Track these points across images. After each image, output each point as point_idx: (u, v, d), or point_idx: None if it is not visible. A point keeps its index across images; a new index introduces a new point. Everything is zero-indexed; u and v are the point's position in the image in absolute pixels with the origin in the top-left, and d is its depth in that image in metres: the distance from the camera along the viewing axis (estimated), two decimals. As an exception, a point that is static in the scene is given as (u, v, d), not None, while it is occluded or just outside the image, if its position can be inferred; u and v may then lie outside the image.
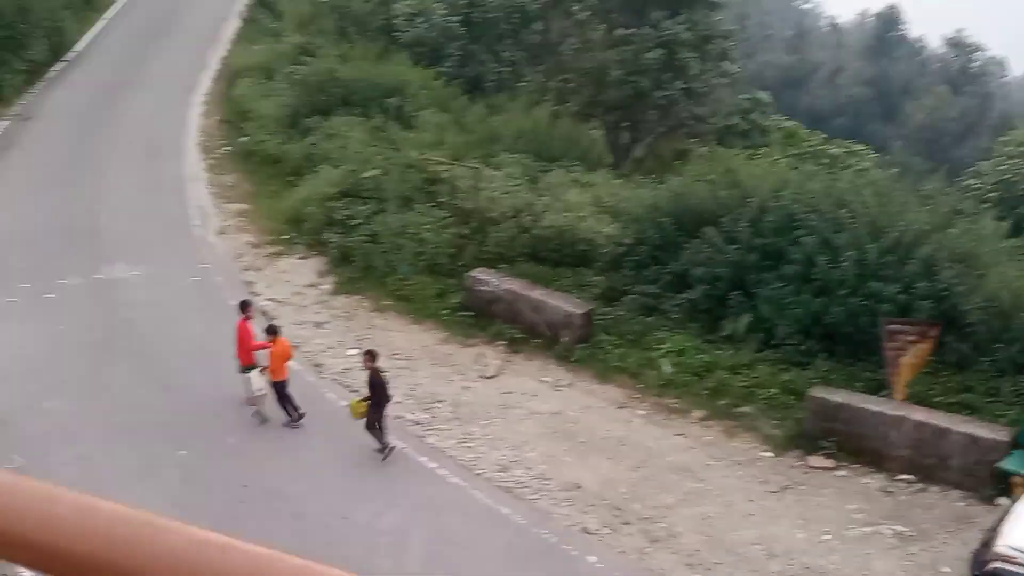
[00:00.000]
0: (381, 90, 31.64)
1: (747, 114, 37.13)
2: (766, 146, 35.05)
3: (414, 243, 23.50)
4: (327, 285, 23.53)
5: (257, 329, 18.32)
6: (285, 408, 17.82)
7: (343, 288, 23.21)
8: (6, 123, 32.81)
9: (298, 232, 25.58)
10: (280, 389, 17.74)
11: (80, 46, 40.03)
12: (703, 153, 32.85)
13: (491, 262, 22.71)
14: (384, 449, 17.04)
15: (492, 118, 31.95)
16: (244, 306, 18.55)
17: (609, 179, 27.43)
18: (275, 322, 18.25)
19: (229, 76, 36.72)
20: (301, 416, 17.89)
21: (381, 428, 17.11)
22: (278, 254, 24.96)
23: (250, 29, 41.12)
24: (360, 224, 24.41)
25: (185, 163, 30.10)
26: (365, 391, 17.22)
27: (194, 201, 27.40)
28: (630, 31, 34.59)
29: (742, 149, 30.53)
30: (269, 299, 22.60)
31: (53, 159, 29.81)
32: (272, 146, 30.09)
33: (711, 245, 20.92)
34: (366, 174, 25.76)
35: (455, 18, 38.01)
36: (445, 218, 24.18)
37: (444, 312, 22.00)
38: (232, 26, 42.31)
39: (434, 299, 22.42)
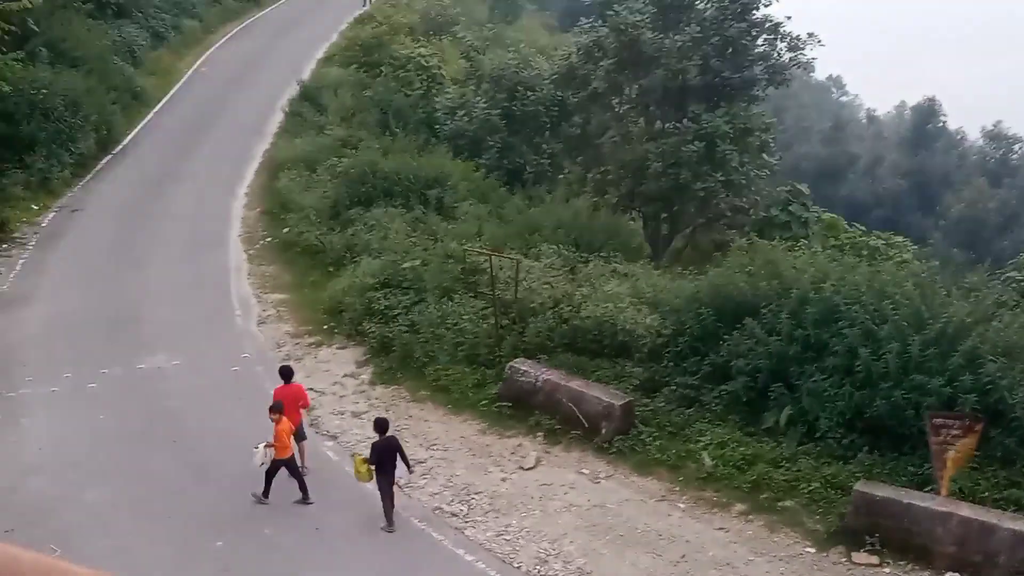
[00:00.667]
0: (422, 182, 32.06)
1: (786, 206, 37.17)
2: (806, 238, 35.00)
3: (453, 333, 23.57)
4: (366, 375, 23.60)
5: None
6: (269, 485, 17.94)
7: (382, 378, 23.27)
8: (53, 214, 33.48)
9: (338, 322, 25.74)
10: (281, 466, 17.93)
11: (127, 139, 40.89)
12: (742, 244, 32.86)
13: (530, 352, 22.69)
14: (388, 524, 17.42)
15: (531, 209, 32.21)
16: (288, 373, 19.39)
17: (649, 270, 27.43)
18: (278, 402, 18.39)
19: (272, 168, 37.33)
20: (307, 499, 18.08)
21: (389, 500, 17.48)
22: (318, 344, 25.10)
23: (294, 122, 41.85)
24: (399, 314, 24.56)
25: (228, 254, 30.50)
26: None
27: (235, 291, 27.70)
28: (670, 124, 34.96)
29: (782, 240, 30.48)
30: (308, 389, 22.66)
31: (98, 250, 30.33)
32: (313, 237, 30.44)
33: (752, 336, 20.81)
34: (406, 265, 25.98)
35: (495, 111, 38.54)
36: (484, 308, 24.25)
37: (482, 403, 21.95)
38: (276, 119, 43.09)
39: (473, 389, 22.39)
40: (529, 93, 38.60)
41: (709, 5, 35.93)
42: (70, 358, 23.83)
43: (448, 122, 39.43)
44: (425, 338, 23.64)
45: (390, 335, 24.06)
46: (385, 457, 17.52)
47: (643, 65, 34.84)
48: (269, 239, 31.83)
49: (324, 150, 36.60)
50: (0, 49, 34.73)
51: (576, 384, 21.07)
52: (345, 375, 23.59)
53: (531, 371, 21.59)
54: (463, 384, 22.53)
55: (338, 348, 24.91)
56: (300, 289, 28.42)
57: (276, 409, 18.04)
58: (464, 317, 23.97)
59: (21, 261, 29.96)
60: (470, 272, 25.84)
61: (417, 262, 26.07)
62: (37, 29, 38.57)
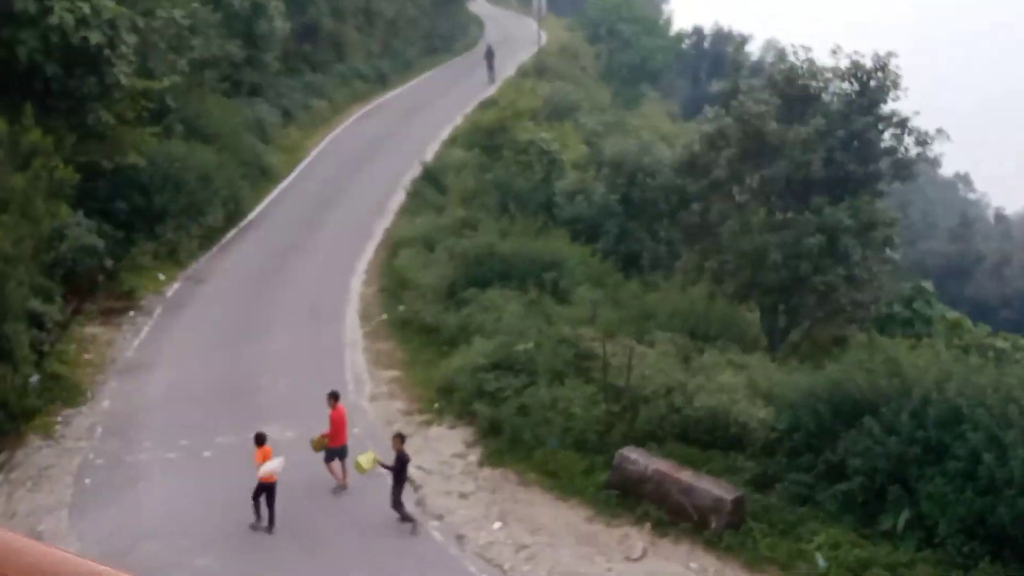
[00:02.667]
0: (538, 265, 32.28)
1: (909, 302, 36.41)
2: (928, 336, 34.19)
3: (563, 418, 23.55)
4: (474, 456, 23.69)
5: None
6: (259, 509, 20.20)
7: (490, 459, 23.33)
8: (179, 284, 34.55)
9: (449, 402, 25.96)
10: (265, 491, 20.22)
11: (254, 213, 42.11)
12: (863, 340, 32.26)
13: (640, 441, 22.54)
14: (407, 520, 20.25)
15: (647, 295, 32.17)
16: (335, 397, 21.93)
17: (765, 362, 27.13)
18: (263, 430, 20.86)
19: (392, 246, 38.03)
20: (271, 524, 20.09)
21: (402, 503, 20.32)
22: (428, 423, 25.31)
23: (415, 202, 42.66)
24: (510, 396, 24.64)
25: (345, 329, 31.06)
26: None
27: (350, 366, 28.17)
28: (791, 215, 34.65)
29: (904, 338, 29.86)
30: (417, 467, 22.83)
31: (219, 320, 31.18)
32: (428, 316, 30.85)
33: (870, 435, 20.36)
34: (519, 347, 26.10)
35: (614, 196, 38.74)
36: (596, 394, 24.20)
37: (590, 489, 21.84)
38: (398, 199, 43.98)
39: (581, 475, 22.31)
40: (649, 179, 38.72)
41: (835, 98, 35.75)
42: (187, 425, 24.47)
43: (567, 206, 39.73)
44: (535, 421, 23.67)
45: (500, 417, 24.15)
46: (403, 467, 20.51)
47: (766, 155, 34.69)
48: (385, 316, 32.34)
49: (443, 230, 37.18)
50: (139, 124, 36.22)
51: (686, 475, 20.85)
52: (453, 455, 23.72)
53: (641, 460, 21.43)
54: (571, 469, 22.47)
55: (448, 427, 25.09)
56: (413, 367, 28.75)
57: (260, 440, 20.51)
58: (575, 402, 23.95)
59: (146, 329, 30.97)
60: (583, 357, 25.85)
61: (530, 345, 26.18)
62: (174, 105, 40.15)
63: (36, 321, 27.25)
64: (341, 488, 21.83)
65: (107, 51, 32.06)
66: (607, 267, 35.31)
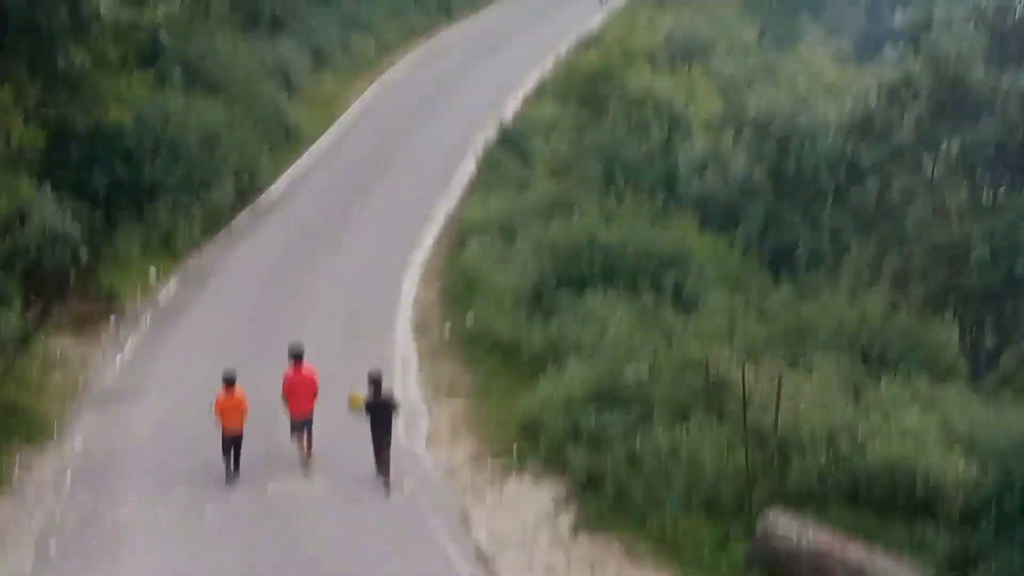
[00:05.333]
0: (655, 261, 32.14)
1: None
2: None
3: (688, 470, 23.42)
4: (566, 519, 23.67)
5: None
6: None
7: (588, 524, 23.28)
8: (174, 283, 35.05)
9: (532, 445, 25.97)
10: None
11: (274, 188, 42.55)
12: (1103, 367, 31.73)
13: (793, 502, 22.36)
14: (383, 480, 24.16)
15: (803, 304, 31.87)
16: (299, 354, 24.90)
17: (965, 396, 26.73)
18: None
19: (458, 235, 38.25)
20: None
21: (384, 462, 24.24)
22: (505, 473, 25.38)
23: (489, 175, 42.80)
24: (616, 440, 24.53)
25: (393, 345, 31.24)
26: None
27: (401, 396, 28.28)
28: (1004, 195, 34.15)
29: None
30: (489, 532, 22.88)
31: (228, 332, 31.51)
32: (506, 328, 30.92)
33: (1113, 500, 20.03)
34: (629, 372, 26.01)
35: (760, 169, 38.45)
36: (733, 438, 24.03)
37: (724, 567, 21.72)
38: (466, 170, 44.20)
39: (712, 548, 22.20)
40: (808, 145, 38.37)
41: (1066, 32, 35.18)
42: (184, 472, 24.77)
43: (694, 181, 39.55)
44: (649, 474, 23.57)
45: (602, 467, 24.07)
46: (380, 416, 24.34)
47: (969, 113, 34.24)
48: (448, 328, 32.46)
49: (528, 213, 37.26)
50: (123, 68, 36.59)
51: (856, 552, 20.68)
52: (538, 516, 23.73)
53: (793, 529, 21.28)
54: (699, 540, 22.38)
55: (531, 480, 25.11)
56: (485, 397, 28.82)
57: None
58: (704, 448, 23.81)
59: (131, 342, 31.46)
60: (715, 387, 25.69)
61: (644, 369, 26.07)
62: (169, 43, 40.58)
63: (-13, 331, 27.80)
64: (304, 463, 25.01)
65: (83, -29, 32.59)
66: (749, 265, 35.10)
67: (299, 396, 24.73)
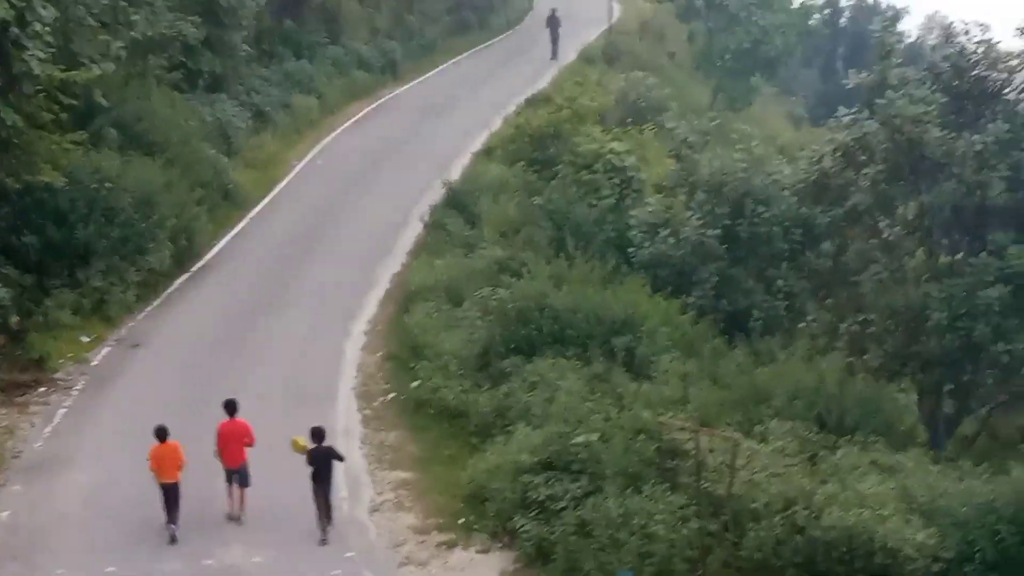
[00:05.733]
0: (607, 325, 32.25)
1: None
2: None
3: (640, 539, 23.40)
4: (515, 592, 23.64)
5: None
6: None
7: (536, 598, 23.26)
8: (108, 349, 34.83)
9: (479, 516, 25.95)
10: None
11: (213, 252, 42.46)
12: (1064, 433, 31.99)
13: (748, 572, 22.41)
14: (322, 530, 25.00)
15: (758, 370, 32.02)
16: (232, 407, 26.04)
17: (924, 464, 26.89)
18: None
19: (402, 299, 38.22)
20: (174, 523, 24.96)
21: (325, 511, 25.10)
22: (450, 544, 25.32)
23: (435, 237, 42.87)
24: (566, 508, 24.55)
25: (336, 412, 31.12)
26: None
27: (342, 465, 28.15)
28: (961, 258, 34.48)
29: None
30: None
31: (163, 400, 31.25)
32: (452, 395, 30.94)
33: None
34: (579, 439, 26.00)
35: (713, 232, 38.70)
36: (686, 506, 24.07)
37: (677, 642, 21.73)
38: (411, 233, 44.28)
39: (664, 621, 22.21)
40: (762, 208, 38.69)
41: (1023, 95, 35.68)
42: (115, 546, 24.54)
43: (647, 244, 39.72)
44: (600, 544, 23.55)
45: (551, 537, 24.07)
46: (321, 466, 25.08)
47: (925, 175, 34.65)
48: (393, 395, 32.43)
49: (475, 276, 37.32)
50: (57, 129, 36.56)
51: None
52: (486, 590, 23.68)
53: (748, 599, 21.32)
54: (651, 614, 22.37)
55: (478, 551, 25.07)
56: (430, 466, 28.77)
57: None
58: (656, 517, 23.81)
59: (62, 411, 31.15)
60: (667, 454, 25.75)
61: (594, 436, 26.07)
62: (106, 104, 40.55)
63: (-90, 399, 27.60)
64: (234, 517, 25.72)
65: (14, 29, 32.54)
66: (702, 329, 35.22)
67: (231, 446, 25.80)
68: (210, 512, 25.80)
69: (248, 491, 25.79)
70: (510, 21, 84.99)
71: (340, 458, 25.66)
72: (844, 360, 34.63)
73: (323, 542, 24.77)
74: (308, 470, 25.18)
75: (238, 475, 25.84)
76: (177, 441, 25.16)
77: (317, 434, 25.30)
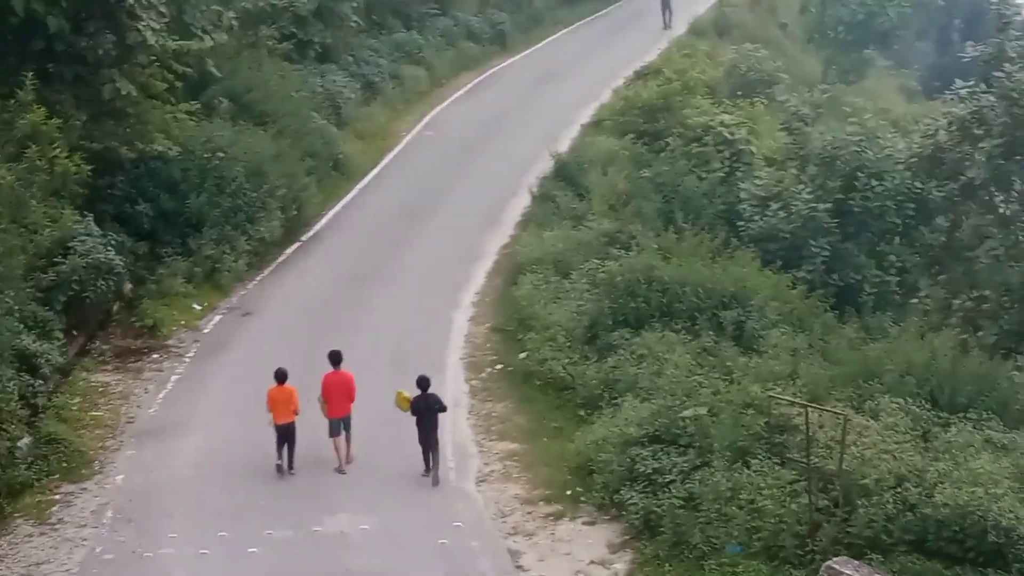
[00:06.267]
0: (715, 298, 32.09)
1: None
2: None
3: (748, 513, 23.31)
4: (621, 564, 23.62)
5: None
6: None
7: (644, 569, 23.21)
8: (220, 317, 35.33)
9: (587, 487, 25.97)
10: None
11: (323, 222, 42.85)
12: None
13: (858, 549, 22.18)
14: (428, 472, 26.27)
15: (869, 345, 31.67)
16: (337, 357, 27.24)
17: (1040, 443, 26.51)
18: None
19: (510, 271, 38.28)
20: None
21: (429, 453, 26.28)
22: (557, 515, 25.33)
23: (543, 209, 42.82)
24: (673, 481, 24.51)
25: (444, 383, 31.15)
26: None
27: (450, 435, 28.32)
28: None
29: None
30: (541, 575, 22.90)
31: (273, 367, 31.57)
32: (560, 367, 30.96)
33: None
34: (687, 413, 25.95)
35: (825, 205, 38.37)
36: (795, 481, 23.91)
37: (785, 617, 21.63)
38: (519, 204, 44.27)
39: (772, 595, 22.11)
40: (874, 182, 38.32)
41: None
42: (227, 511, 24.91)
43: (757, 217, 39.49)
44: (708, 518, 23.48)
45: (659, 509, 24.01)
46: (425, 414, 26.09)
47: (1044, 148, 34.16)
48: (500, 366, 32.50)
49: (583, 248, 37.30)
50: (170, 99, 36.99)
51: (923, 600, 20.52)
52: (592, 562, 23.68)
53: (858, 576, 21.14)
54: (758, 587, 22.28)
55: (584, 523, 25.07)
56: (538, 437, 28.83)
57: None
58: (764, 491, 23.69)
59: (175, 377, 31.68)
60: (776, 429, 25.58)
61: (703, 410, 26.00)
62: (218, 74, 40.98)
63: (28, 364, 28.08)
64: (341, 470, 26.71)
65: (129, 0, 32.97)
66: (812, 304, 34.90)
67: (336, 397, 26.78)
68: (319, 477, 26.07)
69: (353, 440, 27.01)
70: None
71: (443, 408, 26.58)
72: (958, 337, 34.20)
73: (434, 481, 26.10)
74: (413, 420, 26.24)
75: (343, 424, 26.84)
76: (293, 387, 26.51)
77: (422, 382, 26.33)
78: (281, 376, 26.51)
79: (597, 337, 31.72)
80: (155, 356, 32.70)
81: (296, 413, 26.37)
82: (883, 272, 38.27)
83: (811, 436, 23.60)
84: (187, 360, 32.63)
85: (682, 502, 23.97)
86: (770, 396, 25.98)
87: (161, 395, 30.66)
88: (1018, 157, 34.89)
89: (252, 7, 43.86)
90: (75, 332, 31.54)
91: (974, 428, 25.80)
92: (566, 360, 31.16)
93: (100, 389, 30.58)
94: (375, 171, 48.32)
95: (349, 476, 26.27)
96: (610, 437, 26.48)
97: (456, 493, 26.07)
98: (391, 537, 23.98)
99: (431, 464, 26.26)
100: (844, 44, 71.64)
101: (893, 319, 35.98)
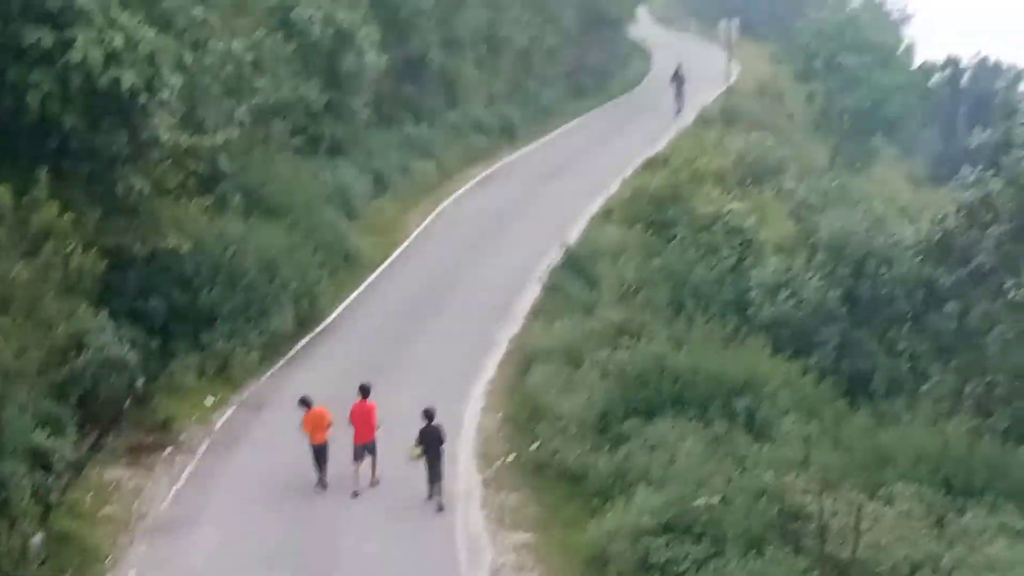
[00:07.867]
0: (726, 387, 32.16)
1: None
2: None
3: (763, 604, 23.28)
4: (637, 656, 23.53)
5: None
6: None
7: (658, 661, 23.14)
8: (232, 411, 35.27)
9: (601, 577, 25.89)
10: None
11: (334, 315, 42.90)
12: None
13: (874, 638, 22.12)
14: (431, 497, 28.92)
15: (881, 432, 31.69)
16: (366, 390, 30.46)
17: (1056, 528, 26.42)
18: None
19: (521, 361, 38.33)
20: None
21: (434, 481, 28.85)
22: (573, 607, 25.28)
23: (554, 300, 42.95)
24: (687, 571, 24.48)
25: (455, 474, 31.22)
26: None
27: (461, 526, 28.33)
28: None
29: None
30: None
31: (287, 462, 31.61)
32: (572, 457, 30.93)
33: None
34: (699, 502, 25.95)
35: (834, 292, 38.48)
36: (809, 570, 23.87)
37: None
38: (529, 296, 44.38)
39: None
40: (883, 269, 38.44)
41: None
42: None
43: (766, 305, 39.57)
44: (723, 608, 23.44)
45: (674, 601, 23.98)
46: (431, 444, 28.98)
47: (1053, 233, 34.25)
48: (512, 456, 32.46)
49: (594, 338, 37.35)
50: (183, 194, 37.15)
51: None
52: (607, 655, 23.61)
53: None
54: None
55: (600, 615, 24.99)
56: (550, 528, 28.77)
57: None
58: (779, 581, 23.65)
59: (187, 472, 31.63)
60: (790, 517, 25.57)
61: (716, 499, 26.01)
62: (229, 169, 41.10)
63: (41, 460, 27.99)
64: (366, 487, 29.75)
65: (143, 96, 33.14)
66: (824, 391, 34.93)
67: (360, 424, 29.99)
68: (331, 573, 25.97)
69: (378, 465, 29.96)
70: (627, 83, 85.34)
71: (442, 440, 29.38)
72: (970, 423, 34.15)
73: (438, 507, 28.97)
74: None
75: (367, 450, 29.84)
76: (324, 408, 30.28)
77: (428, 414, 29.51)
78: (308, 402, 30.56)
79: (609, 426, 31.74)
80: (167, 451, 32.61)
81: (327, 429, 30.11)
82: (894, 359, 38.29)
83: (825, 524, 23.58)
84: (199, 455, 32.55)
85: (697, 592, 23.93)
86: (783, 484, 25.99)
87: (173, 490, 30.61)
88: (1027, 242, 34.98)
89: (264, 102, 44.10)
90: (87, 427, 31.51)
91: (989, 513, 25.77)
92: (578, 450, 31.13)
93: (112, 485, 30.51)
94: (386, 264, 48.44)
95: (362, 568, 26.09)
96: (623, 527, 26.44)
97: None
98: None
99: (435, 491, 29.07)
100: (850, 133, 72.11)
101: (905, 405, 35.96)
